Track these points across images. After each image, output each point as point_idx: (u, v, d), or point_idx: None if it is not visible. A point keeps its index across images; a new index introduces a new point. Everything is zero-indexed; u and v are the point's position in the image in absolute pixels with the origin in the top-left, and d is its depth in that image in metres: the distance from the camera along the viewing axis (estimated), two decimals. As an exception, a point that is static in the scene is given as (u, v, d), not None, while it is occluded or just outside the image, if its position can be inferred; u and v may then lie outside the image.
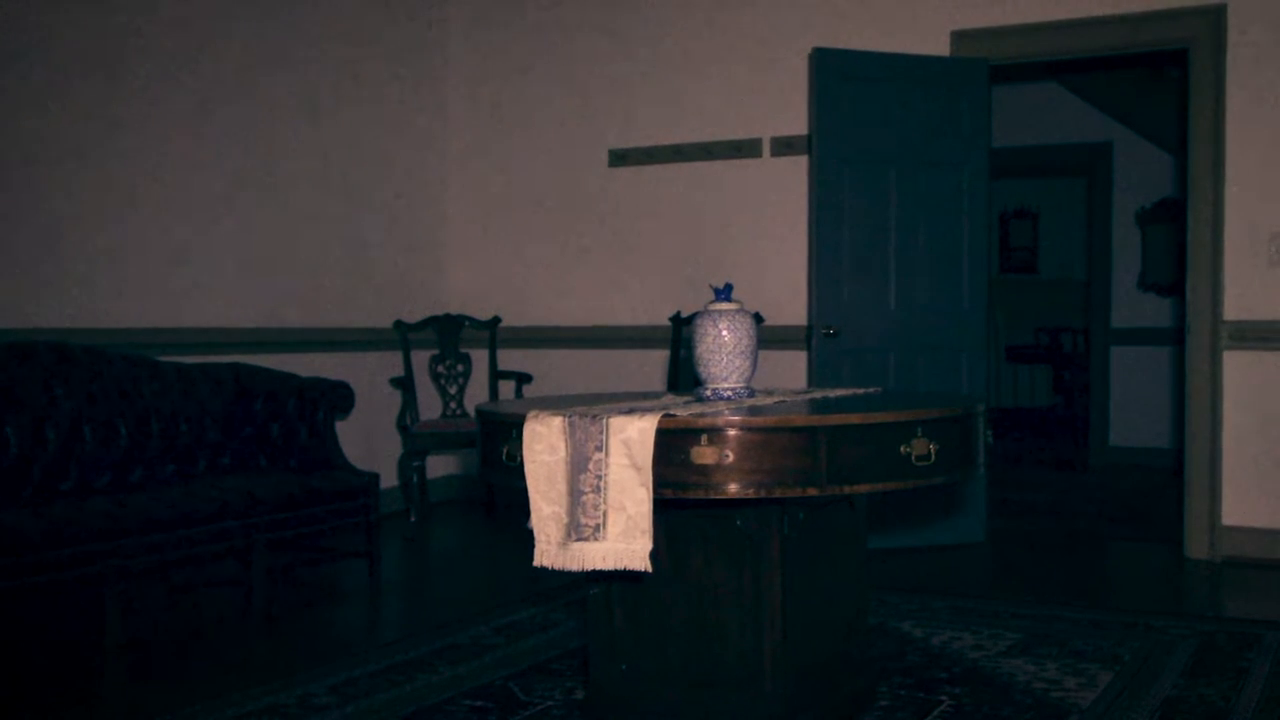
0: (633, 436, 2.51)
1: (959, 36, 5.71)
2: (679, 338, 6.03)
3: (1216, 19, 5.23)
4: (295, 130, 5.94)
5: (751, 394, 3.07)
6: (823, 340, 5.36)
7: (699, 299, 5.98)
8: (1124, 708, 3.15)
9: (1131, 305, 8.75)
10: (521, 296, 6.79)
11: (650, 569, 2.55)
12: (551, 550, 2.61)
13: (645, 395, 3.25)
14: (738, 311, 3.06)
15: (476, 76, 6.89)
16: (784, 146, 6.09)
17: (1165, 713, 3.11)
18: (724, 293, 3.12)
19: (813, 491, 2.53)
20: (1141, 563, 5.37)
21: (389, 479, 6.22)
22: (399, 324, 6.34)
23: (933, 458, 2.63)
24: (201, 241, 5.46)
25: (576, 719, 3.10)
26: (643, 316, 6.44)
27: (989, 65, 5.60)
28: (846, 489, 2.57)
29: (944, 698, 3.26)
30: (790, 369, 5.98)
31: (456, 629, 4.05)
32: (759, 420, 2.52)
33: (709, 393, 3.05)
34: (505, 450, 2.73)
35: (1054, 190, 12.41)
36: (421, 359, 6.58)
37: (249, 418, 4.96)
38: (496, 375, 6.52)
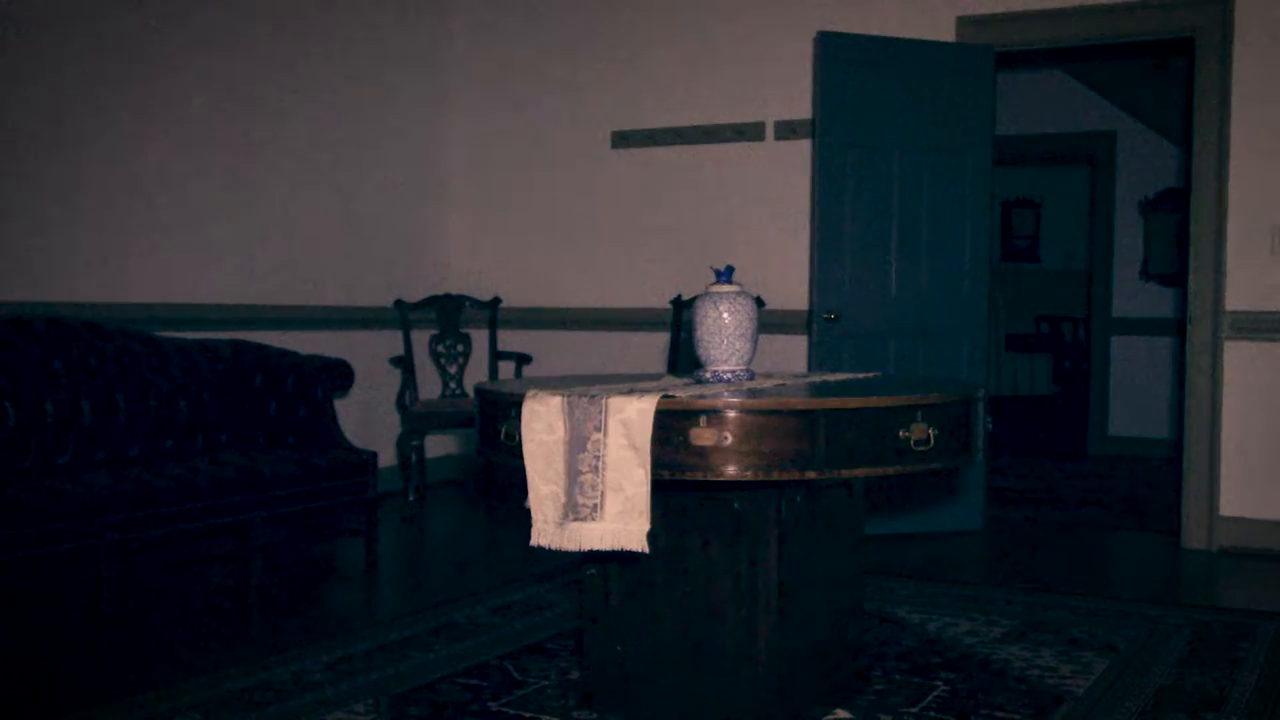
0: (631, 417, 2.50)
1: (965, 22, 5.68)
2: (679, 320, 6.03)
3: (1223, 7, 5.21)
4: (297, 108, 5.92)
5: (751, 377, 3.06)
6: (823, 325, 5.35)
7: (700, 282, 5.97)
8: (1118, 696, 3.16)
9: (1133, 295, 8.74)
10: (522, 277, 6.78)
11: (647, 550, 2.55)
12: (549, 530, 2.61)
13: (645, 377, 3.25)
14: (738, 294, 3.05)
15: (479, 57, 6.87)
16: (787, 130, 6.07)
17: (1159, 701, 3.12)
18: (725, 275, 3.11)
19: (811, 475, 2.52)
20: (1138, 552, 5.38)
21: (387, 458, 6.22)
22: (399, 303, 6.33)
23: (931, 443, 2.63)
24: (203, 218, 5.45)
25: (572, 699, 3.10)
26: (643, 299, 6.43)
27: (994, 52, 5.58)
28: (844, 473, 2.56)
29: (939, 683, 3.26)
30: (791, 353, 5.98)
31: (452, 608, 4.05)
32: (758, 403, 2.51)
33: (708, 375, 3.05)
34: (504, 430, 2.72)
35: (1057, 179, 12.37)
36: (421, 338, 6.57)
37: (247, 395, 4.95)
38: (496, 356, 6.52)
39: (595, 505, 2.55)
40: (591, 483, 2.55)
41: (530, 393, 2.63)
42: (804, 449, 2.50)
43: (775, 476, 2.52)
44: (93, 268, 4.96)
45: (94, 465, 4.23)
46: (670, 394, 2.56)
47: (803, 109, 6.01)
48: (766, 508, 2.81)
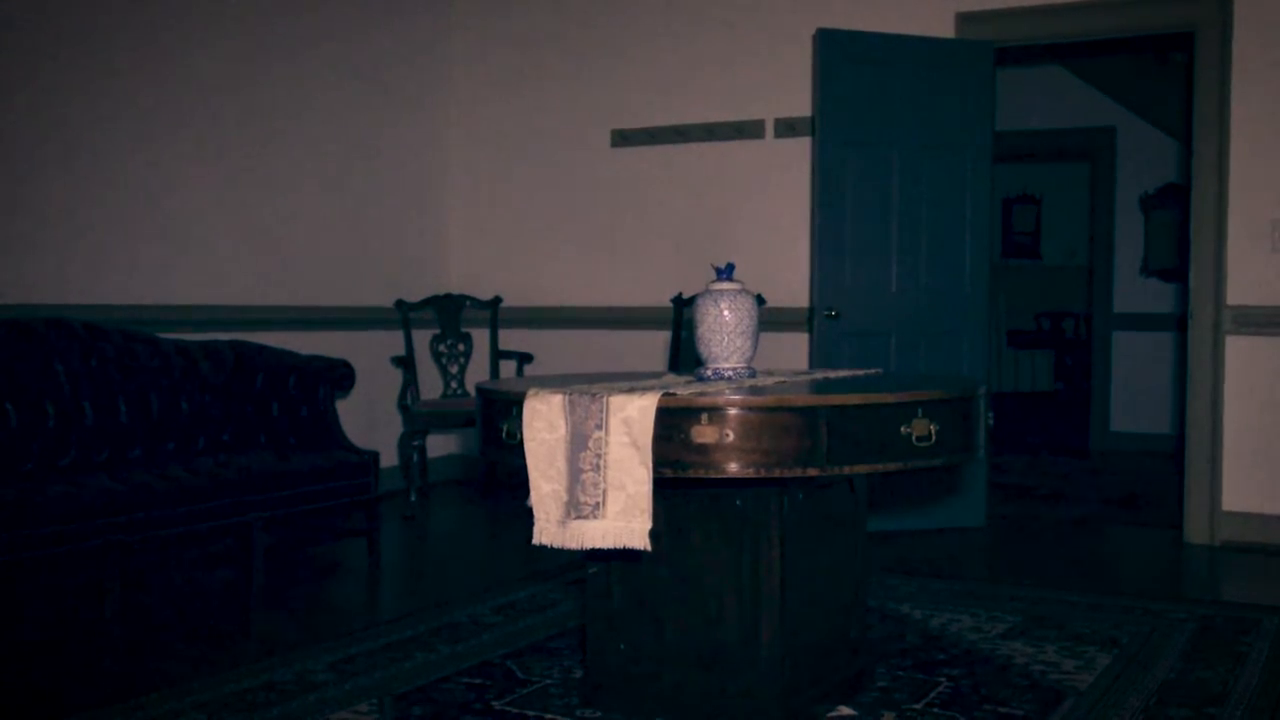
0: (633, 415, 2.50)
1: (964, 19, 5.68)
2: (680, 319, 6.03)
3: (1223, 2, 5.20)
4: (298, 108, 5.92)
5: (752, 374, 3.06)
6: (824, 322, 5.35)
7: (701, 280, 5.96)
8: (1121, 690, 3.16)
9: (1134, 291, 8.73)
10: (523, 276, 6.78)
11: (650, 548, 2.55)
12: (551, 528, 2.60)
13: (646, 375, 3.25)
14: (739, 292, 3.05)
15: (480, 56, 6.86)
16: (787, 128, 6.07)
17: (1162, 696, 3.11)
18: (725, 273, 3.10)
19: (813, 472, 2.52)
20: (1141, 547, 5.38)
21: (389, 458, 6.22)
22: (400, 303, 6.33)
23: (933, 439, 2.63)
24: (203, 219, 5.45)
25: (575, 698, 3.10)
26: (644, 297, 6.43)
27: (994, 48, 5.58)
28: (846, 469, 2.56)
29: (942, 679, 3.26)
30: (792, 351, 5.98)
31: (455, 608, 4.05)
32: (759, 400, 2.51)
33: (710, 373, 3.04)
34: (505, 428, 2.72)
35: (1057, 175, 12.39)
36: (423, 338, 6.57)
37: (249, 395, 4.95)
38: (497, 355, 6.52)
39: (597, 503, 2.55)
40: (593, 481, 2.55)
41: (531, 391, 2.63)
42: (806, 446, 2.50)
43: (777, 474, 2.52)
44: (94, 269, 4.96)
45: (95, 467, 4.23)
46: (672, 392, 2.56)
47: (802, 106, 6.01)
48: (769, 505, 2.81)
